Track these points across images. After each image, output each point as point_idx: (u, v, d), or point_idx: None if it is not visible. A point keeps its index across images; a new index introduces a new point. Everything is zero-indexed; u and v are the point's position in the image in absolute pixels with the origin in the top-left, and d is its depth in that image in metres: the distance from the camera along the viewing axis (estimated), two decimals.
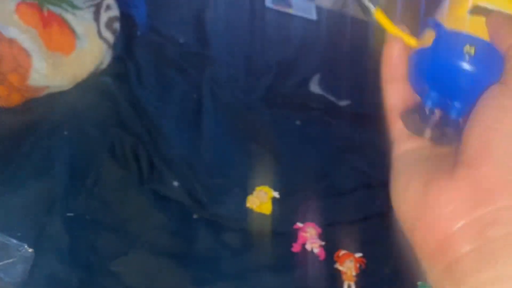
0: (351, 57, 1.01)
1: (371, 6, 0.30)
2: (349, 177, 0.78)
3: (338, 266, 0.62)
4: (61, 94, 0.67)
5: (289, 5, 1.09)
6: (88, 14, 0.70)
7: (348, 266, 0.62)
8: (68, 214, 0.55)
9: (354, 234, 0.67)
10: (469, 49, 0.26)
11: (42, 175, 0.58)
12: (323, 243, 0.64)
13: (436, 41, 0.27)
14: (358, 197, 0.74)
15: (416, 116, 0.28)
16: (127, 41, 0.80)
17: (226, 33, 0.95)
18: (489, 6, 0.27)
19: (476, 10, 0.27)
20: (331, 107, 0.89)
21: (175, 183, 0.63)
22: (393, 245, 0.68)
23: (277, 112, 0.85)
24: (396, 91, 0.30)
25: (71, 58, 0.65)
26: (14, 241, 0.46)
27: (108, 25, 0.72)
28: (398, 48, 0.29)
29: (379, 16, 0.29)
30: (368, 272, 0.62)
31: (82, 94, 0.69)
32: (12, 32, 0.57)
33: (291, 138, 0.82)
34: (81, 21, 0.68)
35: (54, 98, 0.67)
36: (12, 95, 0.60)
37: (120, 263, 0.53)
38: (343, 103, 0.91)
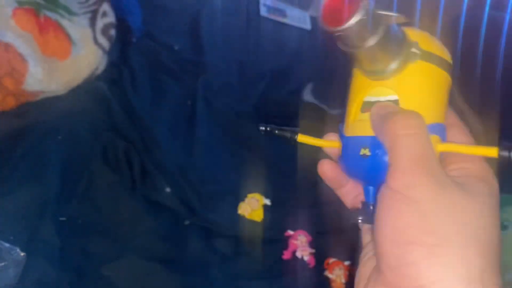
0: (344, 67, 1.02)
1: (294, 135, 0.35)
2: None
3: (327, 273, 0.63)
4: (56, 98, 0.68)
5: (284, 15, 1.11)
6: (84, 20, 0.71)
7: (338, 273, 0.62)
8: (60, 218, 0.55)
9: (344, 242, 0.68)
10: (364, 151, 0.30)
11: (35, 179, 0.58)
12: (313, 250, 0.65)
13: (343, 149, 0.32)
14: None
15: (361, 208, 0.32)
16: (122, 47, 0.81)
17: (220, 41, 0.96)
18: (372, 98, 0.30)
19: (366, 106, 0.31)
20: (323, 116, 0.90)
21: (167, 189, 0.63)
22: None
23: (269, 120, 0.86)
24: (345, 193, 0.34)
25: (66, 63, 0.66)
26: (6, 244, 0.47)
27: (104, 31, 0.73)
28: (327, 166, 0.34)
29: (302, 139, 0.35)
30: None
31: (76, 99, 0.69)
32: (9, 36, 0.57)
33: (283, 145, 0.83)
34: (77, 27, 0.69)
35: (48, 102, 0.67)
36: (7, 99, 0.60)
37: (111, 267, 0.53)
38: (335, 111, 0.92)
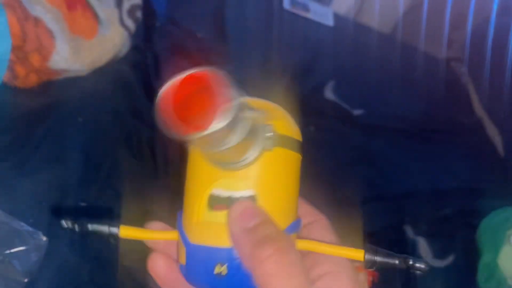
0: (367, 66, 1.01)
1: (114, 231, 0.27)
2: (360, 188, 0.77)
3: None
4: (78, 79, 0.65)
5: (307, 9, 1.08)
6: (111, 0, 0.68)
7: (361, 279, 0.60)
8: (81, 204, 0.53)
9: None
10: (219, 269, 0.24)
11: (56, 161, 0.56)
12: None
13: (188, 259, 0.25)
14: (370, 209, 0.73)
15: None
16: (146, 31, 0.79)
17: (243, 32, 0.93)
18: (223, 193, 0.25)
19: (215, 202, 0.25)
20: (345, 115, 0.88)
21: None
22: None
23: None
24: None
25: (92, 43, 0.64)
26: (29, 228, 0.45)
27: (130, 12, 0.71)
28: (161, 259, 0.27)
29: (126, 233, 0.27)
30: (381, 286, 0.61)
31: (98, 81, 0.67)
32: (38, 10, 0.55)
33: (304, 144, 0.81)
34: (104, 6, 0.67)
35: (70, 82, 0.65)
36: (30, 75, 0.58)
37: (133, 259, 0.51)
38: (357, 112, 0.90)
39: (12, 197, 0.50)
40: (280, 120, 0.26)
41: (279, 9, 1.03)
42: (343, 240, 0.63)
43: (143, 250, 0.29)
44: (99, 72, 0.68)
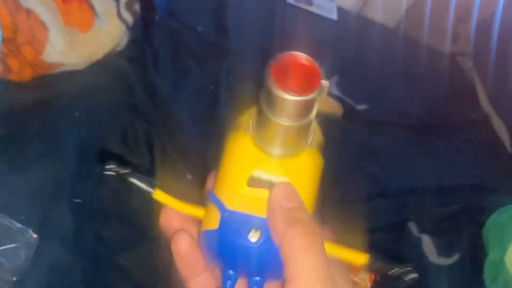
0: (370, 60, 0.99)
1: (150, 190, 0.30)
2: (364, 185, 0.75)
3: (352, 276, 0.59)
4: (74, 73, 0.64)
5: (310, 3, 1.07)
6: None
7: (363, 277, 0.59)
8: (75, 200, 0.52)
9: (371, 244, 0.64)
10: (253, 234, 0.27)
11: (49, 157, 0.54)
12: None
13: (222, 224, 0.27)
14: (374, 206, 0.71)
15: None
16: (145, 25, 0.77)
17: (245, 26, 0.92)
18: (263, 175, 0.27)
19: (254, 181, 0.27)
20: (348, 110, 0.87)
21: (189, 176, 0.60)
22: (409, 258, 0.66)
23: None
24: (199, 285, 0.29)
25: (88, 36, 0.62)
26: (18, 225, 0.43)
27: (128, 6, 0.69)
28: (185, 242, 0.28)
29: (159, 196, 0.30)
30: (383, 284, 0.60)
31: (95, 75, 0.66)
32: (31, 2, 0.54)
33: None
34: None
35: (66, 76, 0.63)
36: (24, 69, 0.57)
37: (127, 256, 0.50)
38: (361, 107, 0.88)
39: (4, 193, 0.49)
40: (317, 127, 0.29)
41: (281, 3, 1.01)
42: (346, 237, 0.62)
43: None
44: (96, 66, 0.66)
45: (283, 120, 0.26)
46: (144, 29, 0.76)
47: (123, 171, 0.29)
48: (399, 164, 0.79)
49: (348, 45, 1.02)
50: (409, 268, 0.29)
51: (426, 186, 0.77)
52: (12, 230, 0.43)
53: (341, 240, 0.63)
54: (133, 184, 0.29)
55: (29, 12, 0.54)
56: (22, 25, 0.52)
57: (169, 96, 0.69)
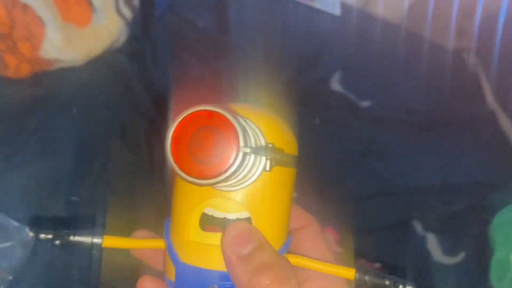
0: (374, 57, 0.97)
1: (98, 241, 0.26)
2: (368, 182, 0.74)
3: None
4: (73, 69, 0.63)
5: None
6: None
7: None
8: (73, 199, 0.51)
9: (373, 242, 0.63)
10: None
11: (47, 154, 0.54)
12: (340, 250, 0.60)
13: (177, 278, 0.24)
14: (377, 204, 0.70)
15: None
16: (144, 21, 0.76)
17: (246, 21, 0.91)
18: (217, 213, 0.23)
19: (207, 222, 0.24)
20: (351, 107, 0.85)
21: None
22: (414, 257, 0.65)
23: (295, 108, 0.81)
24: None
25: (86, 31, 0.61)
26: (15, 223, 0.42)
27: (127, 1, 0.68)
28: (150, 281, 0.26)
29: (110, 243, 0.26)
30: None
31: (94, 71, 0.65)
32: None
33: (309, 136, 0.78)
34: None
35: (64, 73, 0.63)
36: (22, 65, 0.56)
37: (125, 255, 0.49)
38: (364, 103, 0.87)
39: (0, 191, 0.48)
40: (279, 136, 0.24)
41: None
42: (344, 238, 0.61)
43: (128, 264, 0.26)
44: (95, 63, 0.65)
45: (213, 187, 0.22)
46: (143, 24, 0.75)
47: (59, 234, 0.25)
48: (403, 161, 0.78)
49: (351, 41, 1.01)
50: (403, 280, 0.27)
51: (431, 183, 0.75)
52: (8, 228, 0.42)
53: (344, 239, 0.62)
54: (77, 243, 0.25)
55: (25, 7, 0.53)
56: (18, 20, 0.51)
57: (168, 92, 0.68)
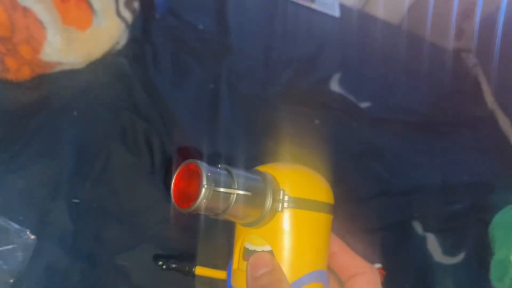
0: (374, 58, 0.98)
1: (191, 267, 0.39)
2: (367, 183, 0.74)
3: None
4: (73, 72, 0.63)
5: (312, 0, 1.05)
6: None
7: None
8: (74, 201, 0.51)
9: (373, 243, 0.63)
10: None
11: (47, 156, 0.54)
12: None
13: None
14: (377, 205, 0.70)
15: None
16: (145, 23, 0.76)
17: (247, 23, 0.91)
18: (251, 247, 0.30)
19: (247, 254, 0.30)
20: (351, 108, 0.85)
21: None
22: (414, 257, 0.65)
23: (295, 109, 0.81)
24: None
25: (86, 34, 0.61)
26: (16, 226, 0.43)
27: (128, 3, 0.68)
28: None
29: (201, 272, 0.36)
30: (387, 285, 0.59)
31: (95, 74, 0.65)
32: (27, 0, 0.53)
33: (309, 137, 0.78)
34: None
35: (65, 75, 0.63)
36: (22, 68, 0.56)
37: (126, 257, 0.49)
38: (364, 104, 0.87)
39: (1, 194, 0.48)
40: (296, 184, 0.30)
41: (283, 0, 1.00)
42: (348, 236, 0.61)
43: None
44: (96, 65, 0.66)
45: (215, 216, 0.29)
46: (143, 27, 0.75)
47: (167, 263, 0.37)
48: (403, 162, 0.78)
49: (351, 42, 1.01)
50: None
51: (431, 184, 0.75)
52: (9, 231, 0.42)
53: (344, 239, 0.62)
54: (179, 270, 0.36)
55: (25, 10, 0.53)
56: (19, 23, 0.52)
57: (169, 95, 0.68)
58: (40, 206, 0.49)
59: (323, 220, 0.31)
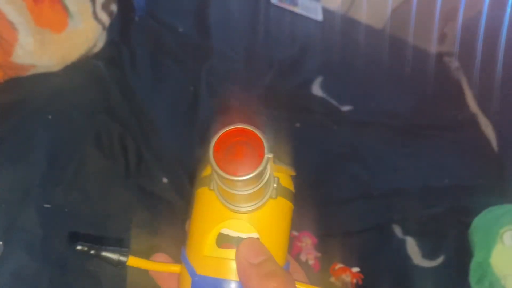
0: (356, 61, 0.97)
1: (124, 259, 0.29)
2: (348, 186, 0.74)
3: (333, 280, 0.58)
4: (48, 75, 0.62)
5: (295, 4, 1.05)
6: None
7: (344, 280, 0.57)
8: (45, 206, 0.50)
9: (352, 246, 0.63)
10: None
11: (18, 161, 0.53)
12: (319, 254, 0.60)
13: None
14: (357, 208, 0.70)
15: None
16: (123, 25, 0.75)
17: (228, 26, 0.90)
18: (232, 233, 0.28)
19: (223, 241, 0.28)
20: (332, 111, 0.85)
21: (164, 180, 0.58)
22: (393, 261, 0.64)
23: (276, 112, 0.80)
24: None
25: (61, 36, 0.60)
26: None
27: (105, 6, 0.68)
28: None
29: (134, 262, 0.29)
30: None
31: (70, 77, 0.64)
32: None
33: (290, 140, 0.77)
34: None
35: (40, 78, 0.62)
36: None
37: (97, 262, 0.48)
38: (345, 108, 0.87)
39: None
40: (283, 173, 0.29)
41: (266, 3, 1.00)
42: (323, 242, 0.60)
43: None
44: (72, 68, 0.65)
45: (235, 191, 0.27)
46: (122, 29, 0.74)
47: (93, 248, 0.29)
48: (384, 165, 0.78)
49: (333, 46, 1.01)
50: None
51: (411, 187, 0.75)
52: None
53: (323, 243, 0.62)
54: (106, 258, 0.29)
55: None
56: None
57: (146, 98, 0.67)
58: (8, 211, 0.48)
59: (292, 211, 0.30)
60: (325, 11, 1.07)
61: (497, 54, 0.93)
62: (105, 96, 0.65)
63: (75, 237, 0.48)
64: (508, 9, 0.99)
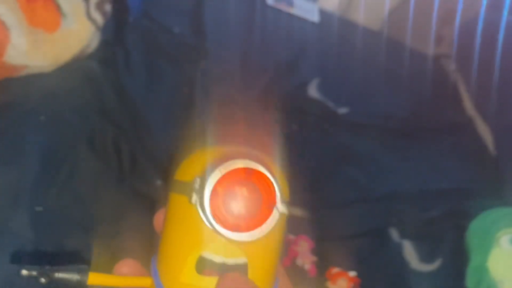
0: (353, 63, 0.97)
1: (83, 279, 0.24)
2: (344, 189, 0.73)
3: (329, 284, 0.57)
4: (41, 75, 0.62)
5: (291, 5, 1.05)
6: None
7: (341, 285, 0.57)
8: (37, 209, 0.49)
9: (349, 250, 0.62)
10: None
11: (10, 162, 0.52)
12: (315, 258, 0.59)
13: None
14: (354, 211, 0.69)
15: None
16: (118, 26, 0.75)
17: (224, 27, 0.90)
18: (216, 258, 0.23)
19: (204, 266, 0.23)
20: (329, 113, 0.85)
21: (158, 182, 0.57)
22: (390, 265, 0.64)
23: (273, 114, 0.80)
24: None
25: (54, 36, 0.60)
26: None
27: (99, 6, 0.67)
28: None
29: (95, 280, 0.24)
30: None
31: (64, 78, 0.63)
32: None
33: (286, 143, 0.77)
34: None
35: (32, 79, 0.61)
36: None
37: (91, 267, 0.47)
38: (342, 110, 0.86)
39: None
40: (283, 184, 0.25)
41: (262, 4, 1.00)
42: (320, 246, 0.59)
43: None
44: (65, 69, 0.64)
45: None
46: (116, 30, 0.73)
47: (43, 271, 0.24)
48: (381, 168, 0.77)
49: (330, 48, 1.00)
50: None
51: (408, 190, 0.75)
52: None
53: (320, 247, 0.61)
54: (61, 280, 0.24)
55: None
56: None
57: (141, 99, 0.66)
58: (0, 215, 0.47)
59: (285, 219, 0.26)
60: (322, 13, 1.07)
61: (494, 57, 0.93)
62: (99, 97, 0.64)
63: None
64: (506, 12, 0.99)
